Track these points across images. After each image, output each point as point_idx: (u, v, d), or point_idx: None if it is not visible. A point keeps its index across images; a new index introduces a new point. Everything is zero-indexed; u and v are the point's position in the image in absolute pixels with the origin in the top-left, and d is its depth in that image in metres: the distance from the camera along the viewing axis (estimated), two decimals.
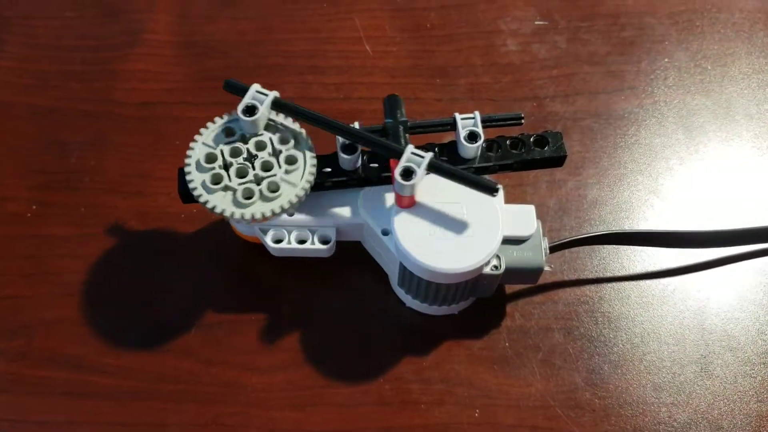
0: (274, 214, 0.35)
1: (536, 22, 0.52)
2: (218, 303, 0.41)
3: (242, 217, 0.35)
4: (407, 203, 0.36)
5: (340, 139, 0.37)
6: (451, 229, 0.36)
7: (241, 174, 0.36)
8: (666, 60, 0.50)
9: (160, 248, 0.42)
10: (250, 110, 0.36)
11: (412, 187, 0.35)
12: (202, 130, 0.37)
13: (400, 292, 0.40)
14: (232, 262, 0.42)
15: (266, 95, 0.36)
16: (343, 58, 0.50)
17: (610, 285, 0.42)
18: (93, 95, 0.48)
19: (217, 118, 0.37)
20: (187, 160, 0.37)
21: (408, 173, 0.35)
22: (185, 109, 0.48)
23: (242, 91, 0.36)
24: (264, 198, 0.36)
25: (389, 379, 0.39)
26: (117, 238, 0.43)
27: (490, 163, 0.38)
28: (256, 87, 0.36)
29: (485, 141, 0.38)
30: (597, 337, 0.40)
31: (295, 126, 0.38)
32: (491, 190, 0.35)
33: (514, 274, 0.37)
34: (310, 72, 0.49)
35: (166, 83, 0.49)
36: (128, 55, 0.50)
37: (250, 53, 0.50)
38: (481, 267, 0.35)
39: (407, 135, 0.38)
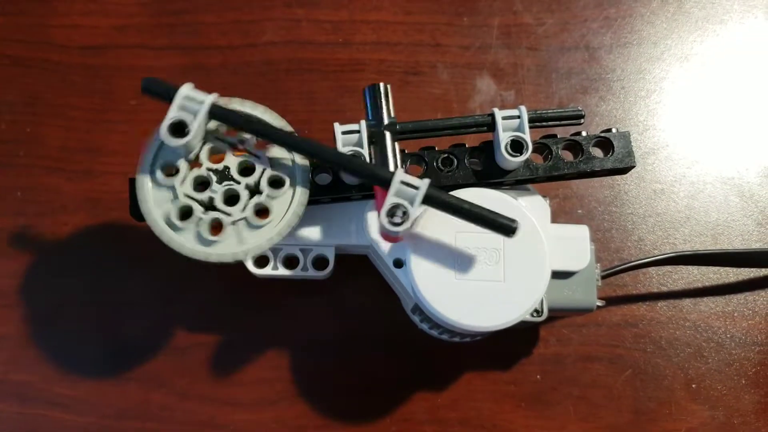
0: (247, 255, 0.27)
1: None
2: (192, 321, 0.34)
3: (207, 258, 0.27)
4: (398, 240, 0.28)
5: (344, 150, 0.28)
6: (483, 271, 0.28)
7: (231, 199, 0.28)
8: None
9: (118, 250, 0.34)
10: (179, 129, 0.26)
11: (407, 229, 0.26)
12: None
13: (414, 318, 0.33)
14: (209, 270, 0.34)
15: (200, 102, 0.26)
16: None
17: (664, 304, 0.35)
18: (22, 35, 0.37)
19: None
20: (140, 168, 0.28)
21: (396, 214, 0.26)
22: (142, 55, 0.37)
23: (165, 96, 0.26)
24: (238, 234, 0.27)
25: (397, 419, 0.33)
26: (64, 234, 0.35)
27: (536, 176, 0.29)
28: (185, 90, 0.26)
29: (533, 142, 0.29)
30: (644, 369, 0.34)
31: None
32: (508, 232, 0.26)
33: (558, 313, 0.30)
34: (300, 4, 0.38)
35: (117, 18, 0.38)
36: None
37: None
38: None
39: (396, 147, 0.28)
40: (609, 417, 0.33)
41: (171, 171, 0.28)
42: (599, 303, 0.31)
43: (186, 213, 0.27)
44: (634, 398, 0.33)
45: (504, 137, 0.28)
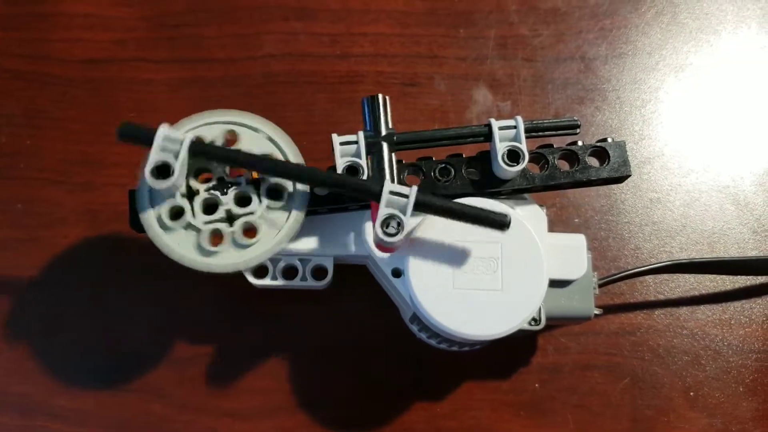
0: (248, 265, 0.27)
1: None
2: (192, 333, 0.34)
3: (207, 269, 0.27)
4: (394, 250, 0.29)
5: (341, 161, 0.28)
6: (480, 280, 0.28)
7: (210, 208, 0.28)
8: None
9: (117, 261, 0.35)
10: (164, 170, 0.26)
11: (402, 239, 0.27)
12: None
13: (412, 327, 0.33)
14: (209, 281, 0.34)
15: (180, 141, 0.26)
16: None
17: (661, 313, 0.35)
18: (23, 49, 0.38)
19: (194, 116, 0.28)
20: (141, 181, 0.28)
21: (391, 224, 0.26)
22: (142, 68, 0.38)
23: (143, 140, 0.26)
24: (236, 244, 0.27)
25: (397, 428, 0.33)
26: (64, 246, 0.35)
27: (533, 185, 0.29)
28: (163, 131, 0.26)
29: (530, 152, 0.29)
30: (642, 377, 0.34)
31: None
32: (501, 226, 0.26)
33: (555, 322, 0.30)
34: (298, 17, 0.39)
35: (117, 32, 0.38)
36: None
37: None
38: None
39: (393, 157, 0.29)
40: (607, 425, 0.33)
41: (175, 212, 0.28)
42: (597, 311, 0.31)
43: (217, 233, 0.28)
44: (632, 406, 0.33)
45: (501, 147, 0.28)
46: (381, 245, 0.28)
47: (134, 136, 0.26)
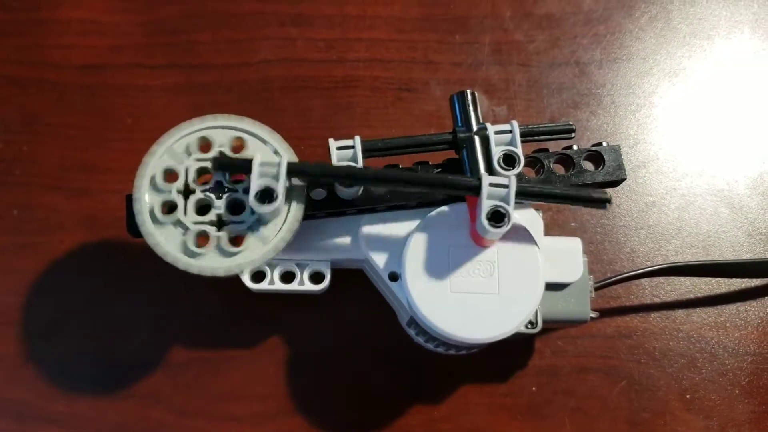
0: (228, 273, 0.28)
1: None
2: (190, 337, 0.34)
3: (187, 269, 0.27)
4: (490, 243, 0.29)
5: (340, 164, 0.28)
6: (477, 283, 0.28)
7: (202, 209, 0.28)
8: None
9: (115, 267, 0.35)
10: (267, 196, 0.27)
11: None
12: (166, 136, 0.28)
13: (410, 331, 0.33)
14: (205, 286, 0.34)
15: (277, 164, 0.27)
16: (336, 4, 0.39)
17: (657, 315, 0.35)
18: (19, 55, 0.38)
19: (193, 121, 0.29)
20: (137, 181, 0.28)
21: (500, 216, 0.26)
22: (138, 74, 0.38)
23: (241, 169, 0.27)
24: (220, 250, 0.28)
25: None
26: (61, 251, 0.35)
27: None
28: (259, 159, 0.27)
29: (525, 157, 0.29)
30: (639, 380, 0.34)
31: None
32: (603, 203, 0.27)
33: (552, 325, 0.31)
34: (294, 23, 0.39)
35: (113, 38, 0.38)
36: None
37: None
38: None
39: (488, 152, 0.29)
40: (604, 428, 0.33)
41: (169, 206, 0.28)
42: (593, 314, 0.31)
43: (204, 235, 0.28)
44: (629, 409, 0.34)
45: (496, 151, 0.29)
46: (480, 238, 0.28)
47: (229, 165, 0.28)
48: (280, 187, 0.27)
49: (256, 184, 0.27)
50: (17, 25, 0.38)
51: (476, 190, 0.27)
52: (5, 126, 0.37)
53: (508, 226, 0.26)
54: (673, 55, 0.39)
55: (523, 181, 0.29)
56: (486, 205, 0.26)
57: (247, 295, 0.32)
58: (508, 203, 0.26)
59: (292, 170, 0.27)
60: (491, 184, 0.26)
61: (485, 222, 0.26)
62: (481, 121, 0.29)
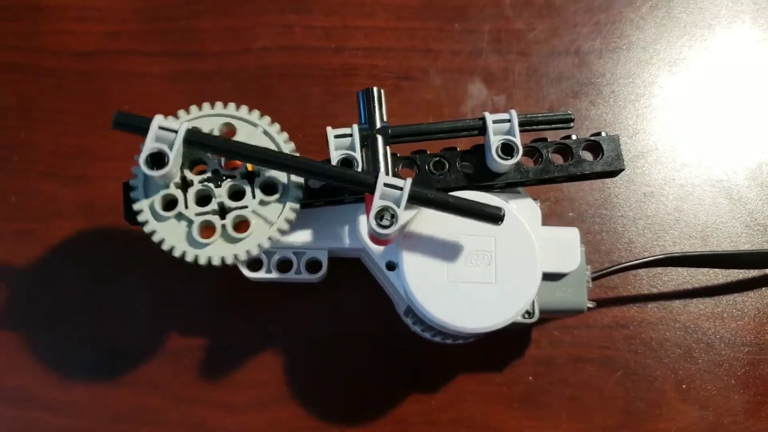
0: (237, 259, 0.27)
1: None
2: (187, 325, 0.34)
3: (195, 260, 0.27)
4: (385, 242, 0.29)
5: (336, 153, 0.28)
6: (474, 273, 0.28)
7: (202, 200, 0.28)
8: None
9: (112, 254, 0.35)
10: (158, 159, 0.26)
11: (396, 232, 0.27)
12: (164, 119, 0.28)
13: (407, 320, 0.33)
14: (201, 273, 0.34)
15: (174, 131, 0.26)
16: None
17: (654, 306, 0.35)
18: (16, 41, 0.38)
19: (191, 108, 0.28)
20: (135, 169, 0.28)
21: (385, 216, 0.26)
22: (135, 61, 0.38)
23: (138, 129, 0.26)
24: (227, 237, 0.28)
25: (391, 420, 0.33)
26: (58, 238, 0.35)
27: (527, 179, 0.29)
28: (158, 121, 0.26)
29: (524, 146, 0.29)
30: (635, 370, 0.34)
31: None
32: (496, 219, 0.27)
33: (549, 315, 0.31)
34: (293, 10, 0.39)
35: (110, 24, 0.38)
36: None
37: None
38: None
39: (388, 150, 0.29)
40: (600, 417, 0.33)
41: (169, 202, 0.28)
42: (590, 304, 0.31)
43: (208, 225, 0.28)
44: (625, 399, 0.34)
45: (495, 141, 0.28)
46: (375, 237, 0.28)
47: (129, 124, 0.26)
48: (172, 154, 0.26)
49: (149, 146, 0.26)
50: (13, 11, 0.38)
51: (371, 188, 0.26)
52: (2, 112, 0.36)
53: (395, 228, 0.26)
54: (674, 45, 0.39)
55: (426, 186, 0.28)
56: (377, 204, 0.26)
57: (244, 283, 0.32)
58: (398, 206, 0.26)
59: (190, 139, 0.27)
60: (386, 185, 0.26)
61: (373, 221, 0.26)
62: (385, 120, 0.29)
